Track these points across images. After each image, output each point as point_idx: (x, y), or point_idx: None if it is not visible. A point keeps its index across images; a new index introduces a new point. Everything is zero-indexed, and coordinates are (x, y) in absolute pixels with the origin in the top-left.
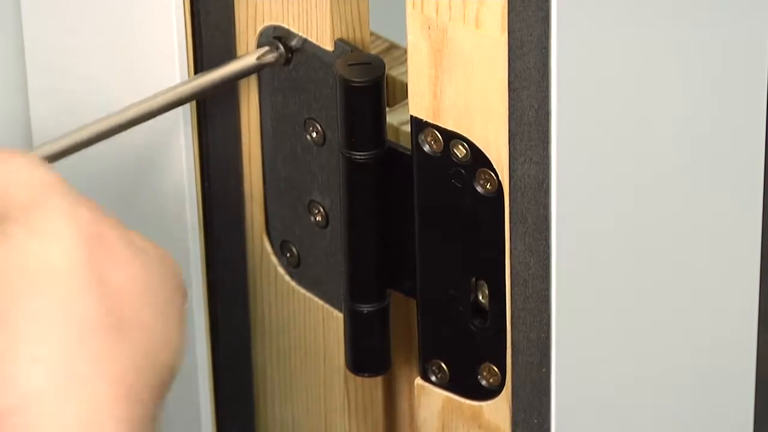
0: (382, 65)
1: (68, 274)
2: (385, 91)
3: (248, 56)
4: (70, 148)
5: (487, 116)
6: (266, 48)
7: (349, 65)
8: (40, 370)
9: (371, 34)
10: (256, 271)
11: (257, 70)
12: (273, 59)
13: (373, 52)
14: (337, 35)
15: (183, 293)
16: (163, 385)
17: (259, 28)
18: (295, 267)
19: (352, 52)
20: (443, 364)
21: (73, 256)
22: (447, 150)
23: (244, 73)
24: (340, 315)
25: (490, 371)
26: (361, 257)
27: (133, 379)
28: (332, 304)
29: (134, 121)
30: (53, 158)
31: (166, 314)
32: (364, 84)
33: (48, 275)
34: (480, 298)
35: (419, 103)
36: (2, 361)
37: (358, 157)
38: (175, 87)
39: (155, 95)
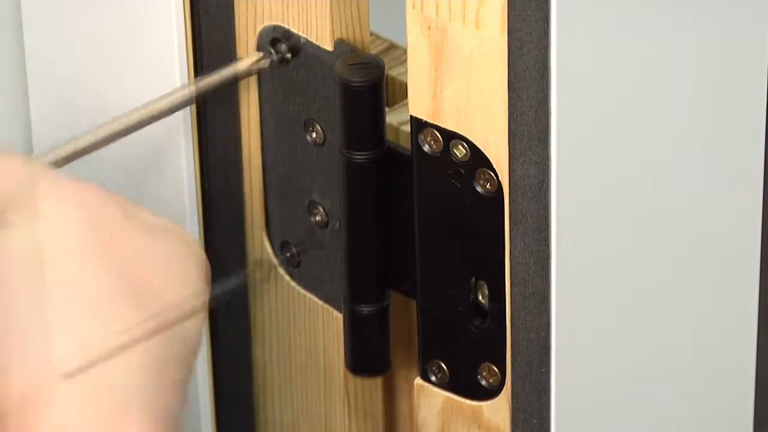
0: (382, 66)
1: (74, 251)
2: (385, 91)
3: (242, 61)
4: (73, 155)
5: (486, 116)
6: (260, 54)
7: (349, 66)
8: (58, 349)
9: (371, 34)
10: (257, 272)
11: (250, 75)
12: (266, 65)
13: (373, 52)
14: (337, 35)
15: (201, 262)
16: (185, 355)
17: (259, 28)
18: (295, 267)
19: (351, 52)
20: (443, 364)
21: (78, 234)
22: (447, 150)
23: (239, 78)
24: (340, 315)
25: (490, 371)
26: (360, 258)
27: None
28: (332, 305)
29: (131, 129)
30: (58, 164)
31: (183, 283)
32: (364, 85)
33: (54, 256)
34: (480, 298)
35: (419, 103)
36: (19, 347)
37: (358, 157)
38: (169, 95)
39: (148, 103)
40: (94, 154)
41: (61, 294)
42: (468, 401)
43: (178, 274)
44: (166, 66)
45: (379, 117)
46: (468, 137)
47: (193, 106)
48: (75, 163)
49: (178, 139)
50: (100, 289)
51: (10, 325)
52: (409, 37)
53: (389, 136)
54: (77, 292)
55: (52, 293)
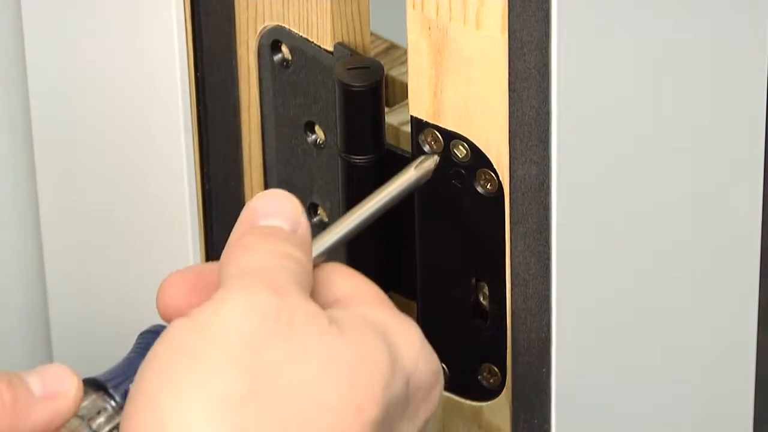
0: (381, 69)
1: (222, 345)
2: (385, 92)
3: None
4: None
5: (487, 116)
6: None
7: (348, 69)
8: None
9: (371, 34)
10: None
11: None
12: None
13: (373, 52)
14: (338, 35)
15: (379, 384)
16: None
17: (259, 28)
18: None
19: (351, 56)
20: (443, 365)
21: (236, 329)
22: (447, 150)
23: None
24: None
25: (491, 371)
26: (361, 260)
27: None
28: None
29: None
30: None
31: (334, 395)
32: (363, 88)
33: (202, 347)
34: (480, 298)
35: (419, 104)
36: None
37: (358, 160)
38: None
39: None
40: (95, 155)
41: (186, 387)
42: (468, 402)
43: (337, 385)
44: (166, 66)
45: (379, 120)
46: (468, 137)
47: (194, 106)
48: (76, 166)
49: (178, 139)
50: (225, 390)
51: None
52: (409, 38)
53: (389, 136)
54: (201, 389)
55: (179, 386)
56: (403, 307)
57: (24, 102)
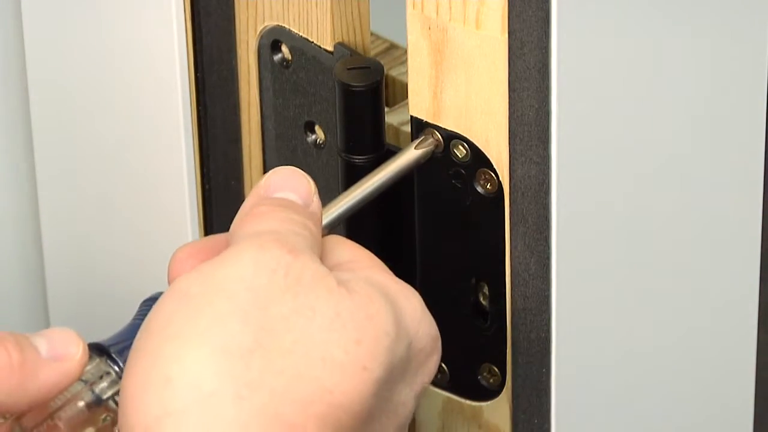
0: (381, 69)
1: (229, 296)
2: (385, 93)
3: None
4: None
5: (487, 116)
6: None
7: (348, 69)
8: (171, 391)
9: (371, 34)
10: None
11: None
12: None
13: (373, 52)
14: (338, 35)
15: (383, 344)
16: (319, 420)
17: (259, 28)
18: None
19: (351, 56)
20: (443, 365)
21: (244, 281)
22: (447, 150)
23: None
24: None
25: (491, 371)
26: None
27: (276, 409)
28: None
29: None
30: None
31: (340, 351)
32: (363, 88)
33: (208, 298)
34: (480, 298)
35: (419, 104)
36: (139, 384)
37: (358, 160)
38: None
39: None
40: (95, 155)
41: (189, 337)
42: (468, 402)
43: (341, 340)
44: (166, 66)
45: (379, 120)
46: (468, 137)
47: (194, 106)
48: (77, 167)
49: (179, 139)
50: (231, 342)
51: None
52: (409, 37)
53: (389, 136)
54: (205, 339)
55: (182, 335)
56: None
57: (24, 102)
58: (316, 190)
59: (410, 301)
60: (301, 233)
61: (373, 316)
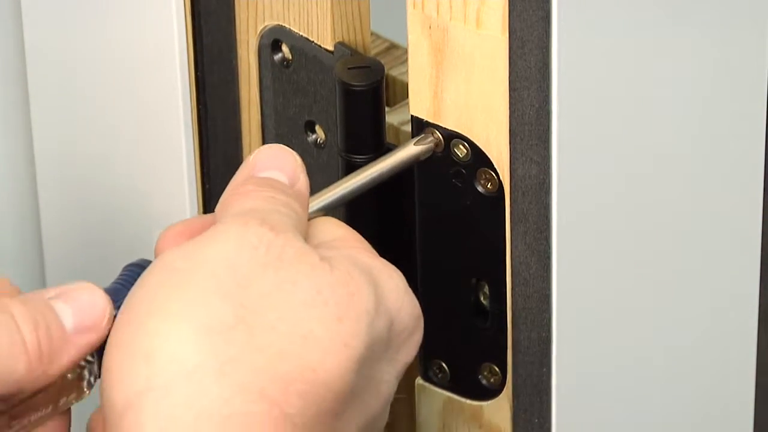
0: (381, 69)
1: (211, 273)
2: (385, 92)
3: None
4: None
5: (487, 116)
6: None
7: (349, 69)
8: (153, 366)
9: (371, 33)
10: None
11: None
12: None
13: (374, 51)
14: (338, 35)
15: (364, 321)
16: (302, 398)
17: (259, 28)
18: None
19: (351, 55)
20: (444, 364)
21: (227, 259)
22: (447, 150)
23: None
24: None
25: (491, 371)
26: None
27: (259, 385)
28: None
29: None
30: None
31: (322, 329)
32: (364, 88)
33: (190, 274)
34: (481, 298)
35: (420, 103)
36: (121, 359)
37: (358, 160)
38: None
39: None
40: (95, 155)
41: (171, 313)
42: (469, 401)
43: (323, 318)
44: (166, 66)
45: (379, 120)
46: (469, 137)
47: (194, 106)
48: (77, 167)
49: (179, 139)
50: (212, 318)
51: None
52: (409, 37)
53: (389, 136)
54: (186, 315)
55: (164, 311)
56: None
57: (24, 101)
58: (303, 167)
59: (393, 279)
60: (285, 212)
61: (354, 293)
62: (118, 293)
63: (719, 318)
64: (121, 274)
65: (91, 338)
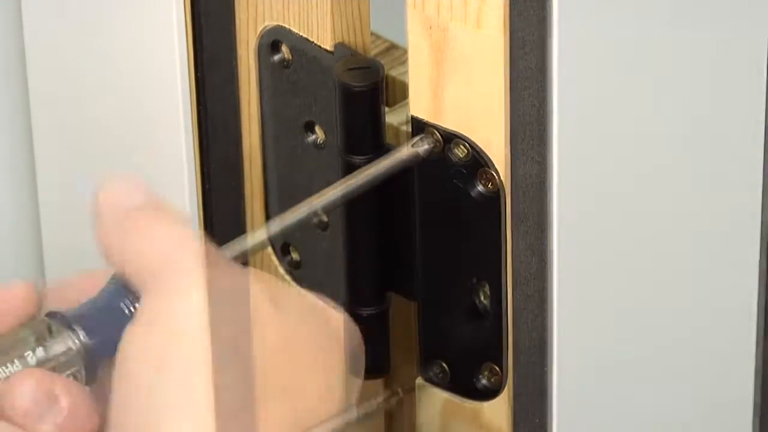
0: (381, 69)
1: (195, 336)
2: (385, 92)
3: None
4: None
5: (487, 116)
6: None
7: (348, 69)
8: None
9: (371, 34)
10: None
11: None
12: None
13: (373, 52)
14: (338, 35)
15: (336, 347)
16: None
17: (259, 28)
18: (296, 269)
19: (351, 55)
20: (444, 364)
21: (199, 319)
22: (447, 150)
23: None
24: None
25: (491, 371)
26: (360, 261)
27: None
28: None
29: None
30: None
31: (310, 370)
32: (363, 88)
33: (189, 338)
34: (481, 298)
35: (419, 103)
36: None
37: (358, 160)
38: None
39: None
40: (96, 156)
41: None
42: (469, 401)
43: (307, 361)
44: (166, 66)
45: (379, 120)
46: (469, 137)
47: (194, 106)
48: (77, 168)
49: (179, 139)
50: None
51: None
52: (409, 37)
53: (389, 136)
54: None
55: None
56: (403, 307)
57: (24, 101)
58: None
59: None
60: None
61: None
62: (98, 303)
63: (719, 318)
64: (106, 285)
65: None
